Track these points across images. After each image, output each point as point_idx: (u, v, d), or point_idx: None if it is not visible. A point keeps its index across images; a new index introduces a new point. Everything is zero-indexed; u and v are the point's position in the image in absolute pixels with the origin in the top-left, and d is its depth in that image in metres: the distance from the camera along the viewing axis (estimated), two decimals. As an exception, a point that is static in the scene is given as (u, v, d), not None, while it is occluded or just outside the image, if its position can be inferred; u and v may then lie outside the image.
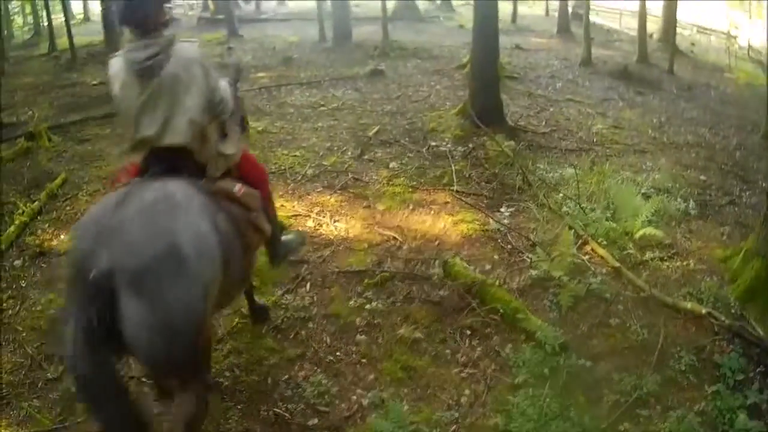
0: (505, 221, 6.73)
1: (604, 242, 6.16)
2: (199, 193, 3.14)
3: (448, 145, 8.71)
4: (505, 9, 21.82)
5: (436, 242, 6.36)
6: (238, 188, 3.57)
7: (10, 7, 29.21)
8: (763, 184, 8.42)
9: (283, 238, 4.63)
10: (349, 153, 8.67)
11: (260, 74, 14.01)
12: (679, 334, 4.87)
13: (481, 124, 8.84)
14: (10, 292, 5.78)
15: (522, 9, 28.83)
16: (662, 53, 19.02)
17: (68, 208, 7.41)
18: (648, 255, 6.06)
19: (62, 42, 19.61)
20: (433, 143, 8.81)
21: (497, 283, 5.46)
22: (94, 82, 13.55)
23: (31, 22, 31.31)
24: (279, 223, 4.86)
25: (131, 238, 2.76)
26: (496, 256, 6.07)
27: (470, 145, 8.69)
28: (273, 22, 26.11)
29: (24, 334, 5.15)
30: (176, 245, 2.80)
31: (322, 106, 10.70)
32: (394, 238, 6.41)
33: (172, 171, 3.26)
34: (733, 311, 5.16)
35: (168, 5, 3.34)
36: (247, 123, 4.58)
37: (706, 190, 8.02)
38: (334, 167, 8.21)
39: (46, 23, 24.26)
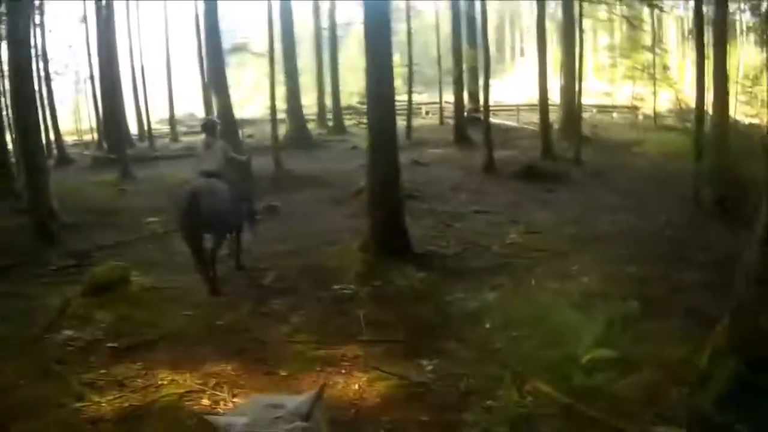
0: (428, 370, 5.81)
1: (547, 375, 5.36)
2: (223, 183, 8.55)
3: (352, 286, 7.97)
4: (398, 123, 21.98)
5: (352, 410, 5.34)
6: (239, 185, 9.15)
7: None
8: (702, 257, 8.22)
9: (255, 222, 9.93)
10: (244, 307, 7.71)
11: (151, 219, 12.88)
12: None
13: (386, 257, 8.30)
14: None
15: (416, 121, 29.11)
16: (566, 142, 19.14)
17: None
18: (599, 377, 5.33)
19: None
20: (336, 286, 8.04)
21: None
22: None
23: None
24: (254, 210, 9.99)
25: (206, 188, 8.26)
26: (424, 417, 5.13)
27: (377, 283, 8.00)
28: (165, 159, 25.59)
29: None
30: (220, 188, 8.38)
31: (214, 253, 9.90)
32: (301, 410, 5.31)
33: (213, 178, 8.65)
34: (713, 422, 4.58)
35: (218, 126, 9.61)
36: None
37: (642, 283, 7.54)
38: (229, 327, 7.20)
39: None
